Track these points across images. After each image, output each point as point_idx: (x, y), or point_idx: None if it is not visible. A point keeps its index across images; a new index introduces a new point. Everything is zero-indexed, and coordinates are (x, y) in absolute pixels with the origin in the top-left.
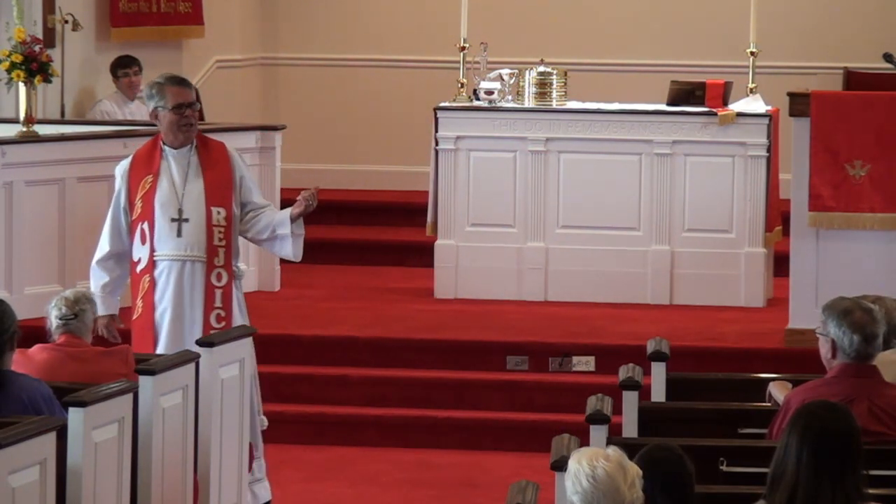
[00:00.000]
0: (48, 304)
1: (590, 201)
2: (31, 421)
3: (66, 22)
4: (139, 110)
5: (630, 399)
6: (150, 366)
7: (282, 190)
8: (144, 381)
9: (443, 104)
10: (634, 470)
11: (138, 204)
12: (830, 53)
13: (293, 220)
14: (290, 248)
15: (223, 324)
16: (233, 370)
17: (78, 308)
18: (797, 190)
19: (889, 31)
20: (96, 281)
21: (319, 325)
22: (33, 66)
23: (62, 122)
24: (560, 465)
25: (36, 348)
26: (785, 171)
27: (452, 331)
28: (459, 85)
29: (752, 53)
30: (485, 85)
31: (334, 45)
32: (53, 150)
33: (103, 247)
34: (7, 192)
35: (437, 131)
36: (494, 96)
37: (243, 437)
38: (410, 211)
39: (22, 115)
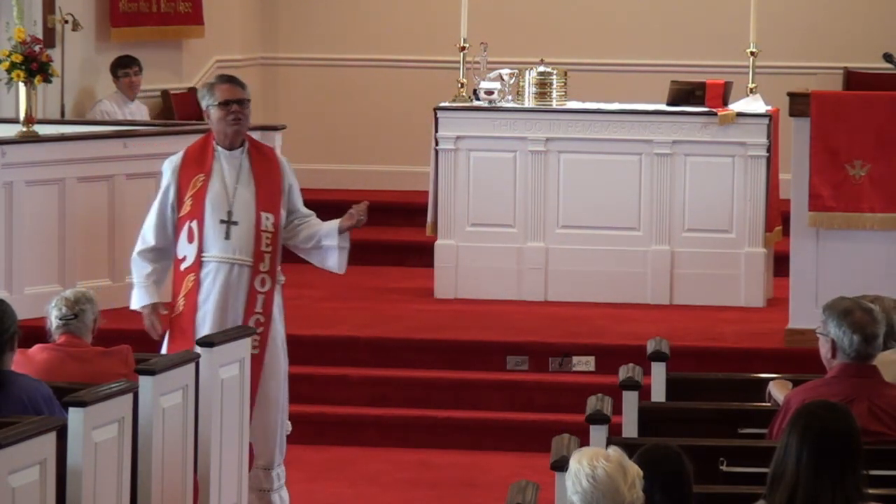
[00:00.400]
0: (48, 305)
1: (590, 201)
2: (31, 421)
3: (66, 22)
4: (139, 110)
5: (630, 399)
6: (150, 366)
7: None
8: (144, 381)
9: (443, 104)
10: (635, 470)
11: (188, 202)
12: (830, 53)
13: (341, 232)
14: (336, 261)
15: (261, 329)
16: (233, 370)
17: (78, 308)
18: (797, 190)
19: (889, 31)
20: (140, 270)
21: (319, 325)
22: (33, 66)
23: (62, 122)
24: (560, 465)
25: (36, 348)
26: (785, 171)
27: (452, 331)
28: (459, 85)
29: (752, 53)
30: (485, 85)
31: (334, 45)
32: (53, 150)
33: (147, 239)
34: (7, 192)
35: (437, 131)
36: (494, 96)
37: (243, 437)
38: (410, 211)
39: (22, 115)
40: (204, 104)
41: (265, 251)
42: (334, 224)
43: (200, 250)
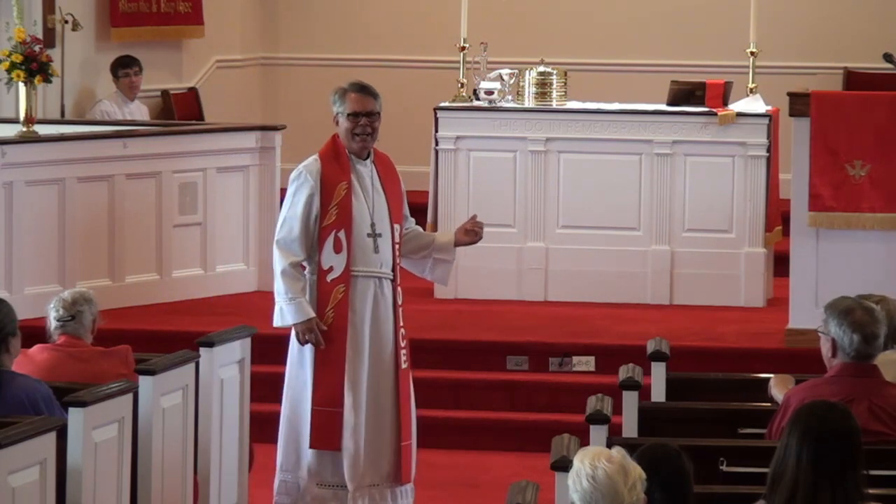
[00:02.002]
0: (48, 305)
1: (590, 201)
2: (31, 421)
3: (66, 22)
4: (139, 110)
5: (630, 399)
6: (150, 366)
7: (282, 190)
8: (144, 381)
9: (443, 104)
10: (637, 472)
11: (333, 211)
12: (830, 53)
13: (456, 246)
14: (443, 273)
15: (405, 342)
16: (233, 370)
17: (75, 310)
18: (797, 190)
19: (889, 31)
20: (293, 284)
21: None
22: (33, 66)
23: (62, 122)
24: (560, 465)
25: (36, 348)
26: (785, 171)
27: (452, 331)
28: (459, 85)
29: (752, 53)
30: (485, 85)
31: (334, 45)
32: (53, 150)
33: (295, 251)
34: (7, 192)
35: (437, 131)
36: (494, 96)
37: (243, 437)
38: (410, 211)
39: (22, 115)
40: (334, 110)
41: (398, 263)
42: (449, 238)
43: (349, 263)
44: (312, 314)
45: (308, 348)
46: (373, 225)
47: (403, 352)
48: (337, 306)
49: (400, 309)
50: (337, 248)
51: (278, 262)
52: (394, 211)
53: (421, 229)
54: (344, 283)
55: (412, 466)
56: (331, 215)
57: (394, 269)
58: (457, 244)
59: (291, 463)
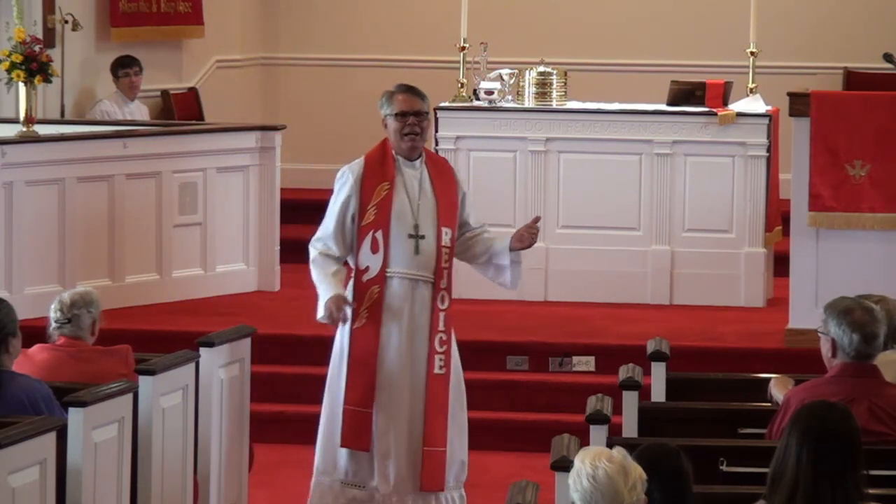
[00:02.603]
0: (51, 304)
1: (590, 201)
2: (31, 421)
3: (66, 22)
4: (139, 110)
5: (630, 399)
6: (150, 366)
7: (282, 190)
8: (144, 381)
9: (443, 104)
10: (637, 472)
11: (371, 211)
12: (830, 53)
13: (511, 250)
14: (509, 277)
15: (445, 347)
16: (233, 370)
17: (72, 313)
18: (797, 190)
19: (889, 31)
20: (326, 268)
21: (319, 325)
22: (33, 66)
23: (62, 122)
24: (560, 465)
25: (36, 348)
26: (785, 171)
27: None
28: (459, 85)
29: (752, 53)
30: (485, 85)
31: (334, 45)
32: (53, 150)
33: (329, 246)
34: (7, 192)
35: (437, 131)
36: (494, 96)
37: (243, 437)
38: None
39: (22, 115)
40: (382, 113)
41: (444, 267)
42: (505, 243)
43: (385, 263)
44: (339, 291)
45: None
46: (416, 226)
47: (440, 357)
48: (371, 307)
49: (441, 313)
50: (374, 249)
51: (310, 255)
52: (442, 214)
53: (488, 234)
54: (379, 284)
55: (444, 475)
56: (369, 215)
57: (436, 273)
58: (511, 248)
59: (328, 464)
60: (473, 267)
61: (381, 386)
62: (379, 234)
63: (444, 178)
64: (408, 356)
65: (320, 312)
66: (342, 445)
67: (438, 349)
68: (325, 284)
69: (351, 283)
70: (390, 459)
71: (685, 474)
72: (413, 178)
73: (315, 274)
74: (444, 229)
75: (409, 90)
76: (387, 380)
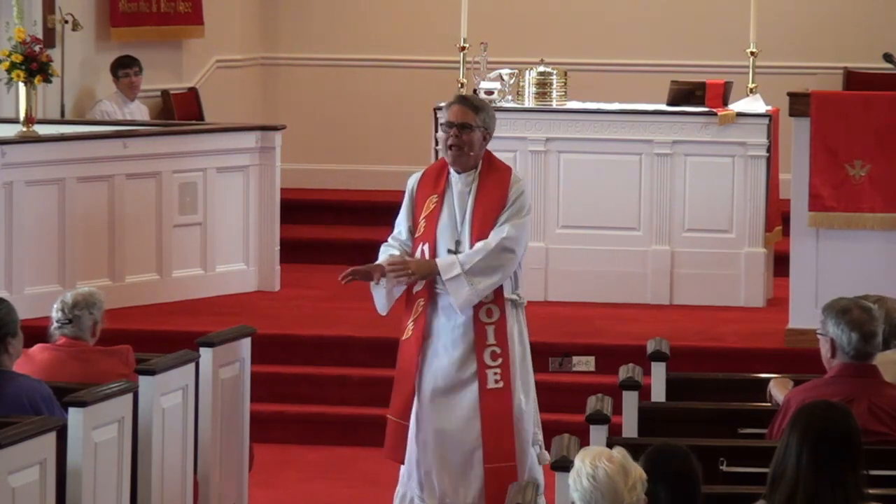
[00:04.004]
0: (54, 304)
1: (590, 201)
2: (31, 421)
3: (66, 22)
4: (139, 110)
5: (630, 399)
6: (150, 366)
7: (282, 190)
8: (144, 381)
9: (443, 104)
10: (637, 473)
11: (422, 223)
12: (830, 53)
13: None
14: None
15: (499, 361)
16: (233, 370)
17: (73, 314)
18: (797, 190)
19: (889, 31)
20: (386, 252)
21: (319, 325)
22: (33, 66)
23: (62, 122)
24: (560, 465)
25: (37, 348)
26: (785, 171)
27: None
28: (459, 85)
29: (752, 53)
30: (485, 85)
31: (334, 45)
32: (53, 150)
33: (392, 248)
34: (7, 192)
35: (437, 131)
36: (494, 96)
37: (243, 437)
38: None
39: (22, 115)
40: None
41: None
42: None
43: (431, 279)
44: (390, 257)
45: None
46: (458, 243)
47: (493, 371)
48: (416, 319)
49: (488, 327)
50: None
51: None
52: (476, 228)
53: (477, 246)
54: (424, 298)
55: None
56: (420, 227)
57: None
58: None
59: (405, 474)
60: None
61: (421, 400)
62: (426, 248)
63: (493, 191)
64: (453, 372)
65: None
66: (383, 455)
67: (491, 363)
68: (379, 258)
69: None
70: (433, 474)
71: (695, 476)
72: (462, 191)
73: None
74: (477, 244)
75: (463, 101)
76: (428, 394)
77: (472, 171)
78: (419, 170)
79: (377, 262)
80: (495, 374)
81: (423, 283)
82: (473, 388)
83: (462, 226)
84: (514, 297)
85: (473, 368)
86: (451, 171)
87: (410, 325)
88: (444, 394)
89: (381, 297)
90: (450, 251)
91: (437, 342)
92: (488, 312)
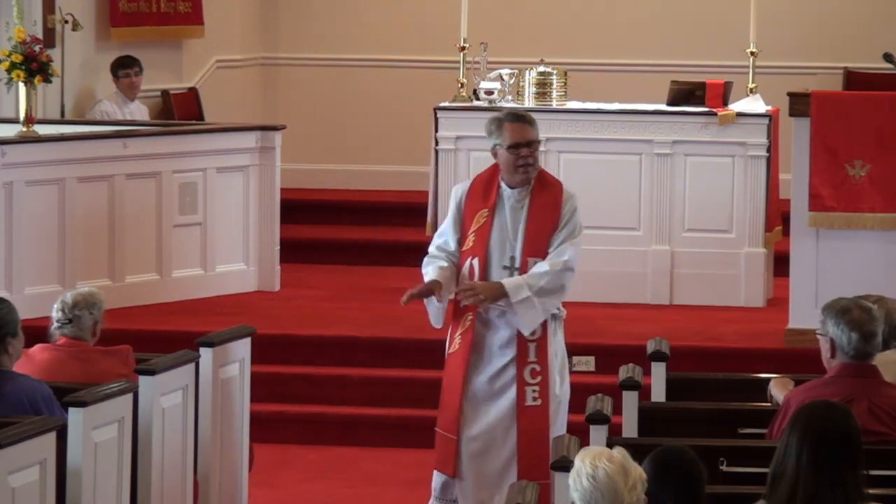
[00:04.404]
0: (54, 304)
1: (590, 201)
2: (31, 421)
3: (66, 22)
4: (139, 110)
5: (630, 399)
6: (150, 366)
7: (282, 190)
8: (144, 381)
9: (443, 104)
10: (637, 473)
11: (471, 237)
12: (830, 53)
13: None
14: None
15: (538, 378)
16: (233, 370)
17: (73, 314)
18: (797, 190)
19: (889, 31)
20: (433, 262)
21: (319, 325)
22: (33, 66)
23: (62, 122)
24: (560, 465)
25: (37, 348)
26: (785, 171)
27: None
28: (459, 85)
29: (752, 53)
30: (485, 85)
31: (334, 45)
32: (53, 150)
33: (440, 259)
34: (7, 192)
35: (437, 131)
36: (494, 96)
37: (243, 437)
38: (410, 211)
39: (22, 115)
40: (491, 141)
41: None
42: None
43: None
44: (436, 278)
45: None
46: (512, 258)
47: (532, 389)
48: (464, 334)
49: (530, 345)
50: (470, 276)
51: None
52: (529, 244)
53: (541, 267)
54: (472, 312)
55: None
56: (469, 241)
57: None
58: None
59: (439, 487)
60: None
61: (466, 414)
62: (476, 262)
63: (547, 206)
64: (493, 386)
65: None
66: (435, 468)
67: (530, 381)
68: (429, 271)
69: (452, 305)
70: (470, 488)
71: (700, 480)
72: (515, 206)
73: (423, 269)
74: (530, 260)
75: (519, 118)
76: (472, 409)
77: (527, 186)
78: (421, 169)
79: (432, 279)
80: (534, 391)
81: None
82: (512, 403)
83: (515, 242)
84: (555, 310)
85: (514, 384)
86: (503, 184)
87: (458, 339)
88: (483, 406)
89: (439, 312)
90: (505, 267)
91: (485, 357)
92: (532, 329)
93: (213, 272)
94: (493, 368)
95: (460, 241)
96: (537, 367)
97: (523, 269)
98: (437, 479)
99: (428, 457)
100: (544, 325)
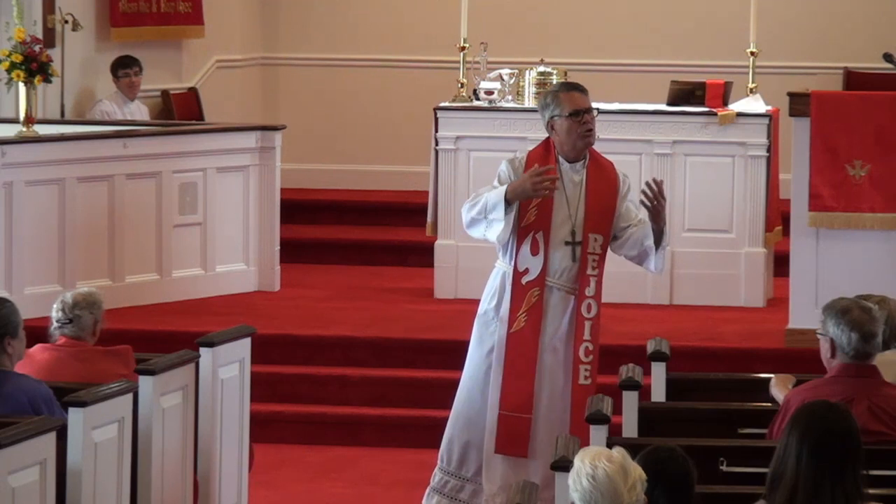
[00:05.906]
0: (54, 303)
1: None
2: (31, 421)
3: (66, 22)
4: (139, 110)
5: (630, 399)
6: (150, 366)
7: (282, 190)
8: (144, 381)
9: (443, 104)
10: (637, 473)
11: (532, 211)
12: (830, 53)
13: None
14: (653, 264)
15: (591, 357)
16: (233, 370)
17: (73, 314)
18: (797, 190)
19: (889, 31)
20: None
21: (319, 325)
22: (33, 66)
23: (62, 122)
24: (560, 465)
25: (37, 348)
26: (785, 171)
27: (452, 331)
28: (459, 85)
29: (752, 53)
30: (485, 85)
31: (334, 45)
32: (53, 150)
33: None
34: (7, 192)
35: (437, 131)
36: (494, 96)
37: (243, 437)
38: (410, 211)
39: (22, 115)
40: (547, 115)
41: (591, 275)
42: (648, 228)
43: (546, 266)
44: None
45: (492, 355)
46: (573, 233)
47: (585, 367)
48: (530, 310)
49: (587, 322)
50: (534, 251)
51: (464, 219)
52: (590, 218)
53: (642, 227)
54: (539, 287)
55: None
56: (530, 215)
57: (582, 280)
58: (654, 229)
59: (455, 462)
60: (632, 261)
61: (536, 394)
62: (539, 236)
63: (604, 182)
64: (556, 365)
65: (512, 195)
66: (497, 451)
67: (584, 359)
68: (492, 192)
69: (509, 283)
70: (498, 459)
71: (691, 479)
72: (574, 181)
73: (475, 210)
74: (591, 235)
75: (575, 87)
76: (541, 388)
77: (583, 160)
78: (421, 169)
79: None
80: (586, 370)
81: (536, 273)
82: (567, 381)
83: (575, 217)
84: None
85: (570, 361)
86: (561, 159)
87: (523, 317)
88: (553, 388)
89: (509, 221)
90: (567, 243)
91: (550, 334)
92: (588, 307)
93: (213, 272)
94: (555, 344)
95: (516, 217)
96: (591, 346)
97: (584, 244)
98: (438, 477)
99: (428, 457)
100: (599, 302)
